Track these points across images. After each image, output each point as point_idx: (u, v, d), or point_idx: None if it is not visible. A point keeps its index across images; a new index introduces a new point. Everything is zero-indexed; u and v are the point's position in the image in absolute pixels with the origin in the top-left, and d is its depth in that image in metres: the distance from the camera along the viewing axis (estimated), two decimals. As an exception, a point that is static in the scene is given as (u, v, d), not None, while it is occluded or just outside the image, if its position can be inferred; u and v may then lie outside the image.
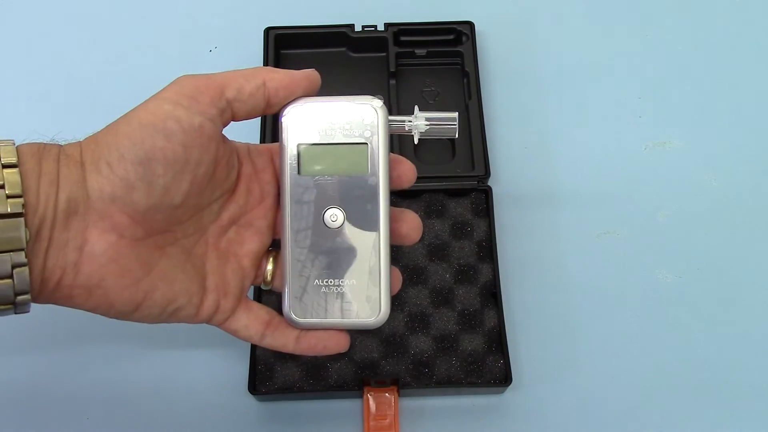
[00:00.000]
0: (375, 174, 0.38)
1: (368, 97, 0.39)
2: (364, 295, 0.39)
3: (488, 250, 0.55)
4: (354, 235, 0.38)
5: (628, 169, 0.60)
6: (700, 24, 0.67)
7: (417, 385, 0.51)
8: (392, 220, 0.40)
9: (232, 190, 0.40)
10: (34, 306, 0.35)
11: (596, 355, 0.53)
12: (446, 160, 0.59)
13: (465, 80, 0.61)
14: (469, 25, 0.62)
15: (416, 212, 0.53)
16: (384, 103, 0.39)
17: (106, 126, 0.37)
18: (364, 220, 0.38)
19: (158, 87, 0.37)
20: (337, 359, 0.52)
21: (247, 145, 0.41)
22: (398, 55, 0.62)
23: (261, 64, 0.61)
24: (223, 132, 0.38)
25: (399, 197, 0.57)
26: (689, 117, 0.62)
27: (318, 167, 0.38)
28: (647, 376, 0.53)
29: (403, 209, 0.41)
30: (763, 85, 0.64)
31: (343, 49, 0.63)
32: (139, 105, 0.36)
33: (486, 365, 0.52)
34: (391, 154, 0.39)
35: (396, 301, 0.54)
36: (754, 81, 0.64)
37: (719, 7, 0.68)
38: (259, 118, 0.58)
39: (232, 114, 0.37)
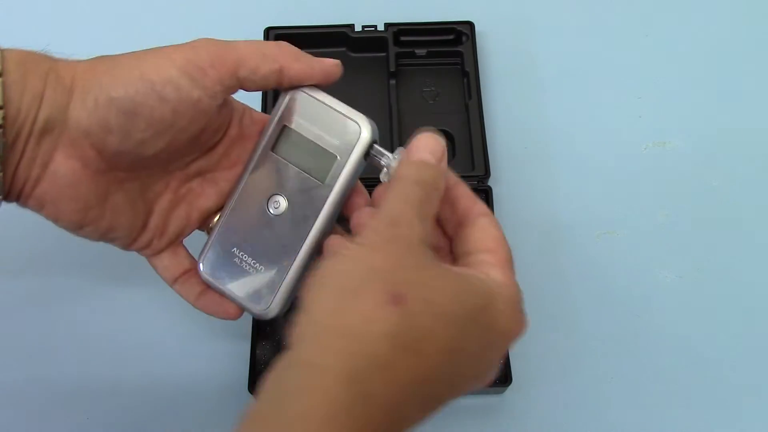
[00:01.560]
0: (329, 187, 0.39)
1: (363, 117, 0.39)
2: (265, 284, 0.40)
3: (488, 250, 0.55)
4: (285, 229, 0.39)
5: (628, 169, 0.60)
6: (700, 24, 0.67)
7: (417, 385, 0.51)
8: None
9: (211, 148, 0.41)
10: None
11: (596, 355, 0.53)
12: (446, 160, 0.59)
13: (465, 80, 0.61)
14: (469, 25, 0.62)
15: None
16: (374, 129, 0.39)
17: (109, 57, 0.37)
18: (300, 222, 0.39)
19: None
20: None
21: (244, 108, 0.42)
22: (398, 55, 0.62)
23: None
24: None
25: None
26: (689, 117, 0.62)
27: (289, 153, 0.39)
28: (647, 376, 0.53)
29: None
30: (763, 85, 0.64)
31: (343, 49, 0.63)
32: (150, 53, 0.36)
33: (486, 365, 0.52)
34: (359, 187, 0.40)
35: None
36: (754, 81, 0.64)
37: (719, 7, 0.68)
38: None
39: (240, 87, 0.38)
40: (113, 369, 0.52)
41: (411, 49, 0.62)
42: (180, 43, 0.37)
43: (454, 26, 0.62)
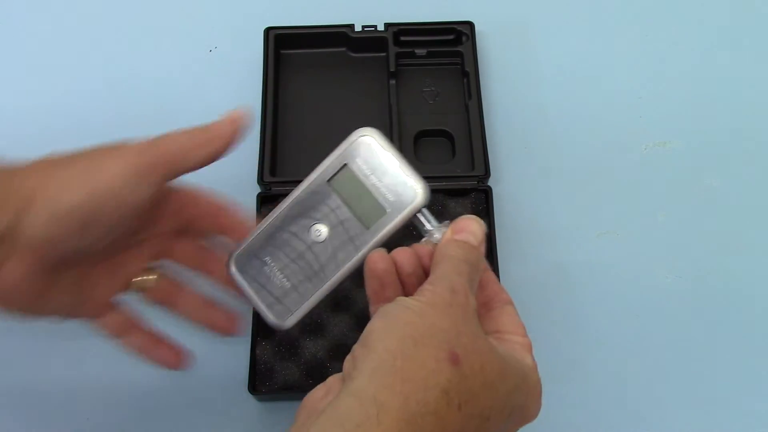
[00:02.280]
0: (372, 234, 0.40)
1: (421, 180, 0.40)
2: (287, 301, 0.41)
3: (488, 250, 0.55)
4: (320, 258, 0.41)
5: (628, 169, 0.60)
6: (700, 24, 0.67)
7: (417, 385, 0.51)
8: None
9: (152, 223, 0.43)
10: None
11: (596, 355, 0.53)
12: (446, 160, 0.59)
13: (465, 80, 0.61)
14: (469, 25, 0.62)
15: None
16: (428, 195, 0.40)
17: (63, 162, 0.38)
18: (336, 255, 0.41)
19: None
20: (338, 359, 0.52)
21: (169, 188, 0.43)
22: (398, 55, 0.62)
23: (261, 64, 0.61)
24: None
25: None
26: (689, 117, 0.62)
27: (343, 191, 0.41)
28: (647, 375, 0.53)
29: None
30: (763, 85, 0.64)
31: (343, 49, 0.63)
32: (98, 156, 0.38)
33: (486, 365, 0.52)
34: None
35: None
36: (755, 81, 0.64)
37: (719, 7, 0.68)
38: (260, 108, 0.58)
39: (176, 175, 0.40)
40: (113, 369, 0.52)
41: (411, 49, 0.62)
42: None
43: (454, 26, 0.62)
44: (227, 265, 0.42)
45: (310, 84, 0.62)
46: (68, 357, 0.53)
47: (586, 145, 0.61)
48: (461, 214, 0.57)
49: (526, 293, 0.55)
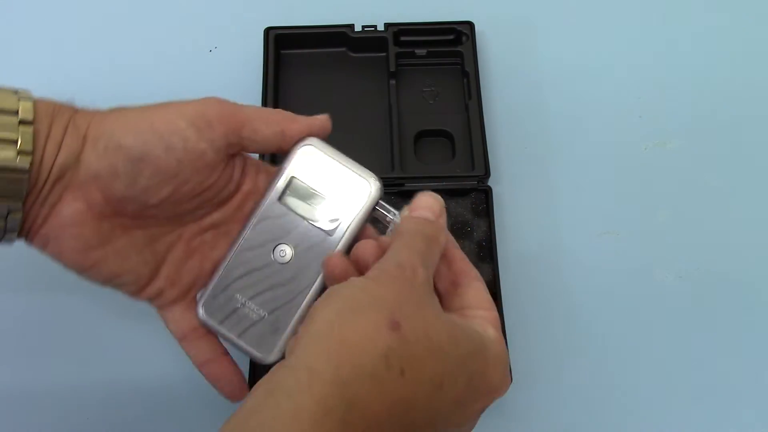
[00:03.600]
0: (336, 239, 0.40)
1: (370, 174, 0.41)
2: (268, 331, 0.40)
3: (488, 250, 0.55)
4: (290, 277, 0.40)
5: (628, 169, 0.60)
6: (700, 24, 0.67)
7: (417, 385, 0.51)
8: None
9: (225, 201, 0.41)
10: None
11: (596, 354, 0.53)
12: (446, 160, 0.59)
13: (465, 80, 0.61)
14: (469, 25, 0.62)
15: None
16: (381, 187, 0.40)
17: (122, 109, 0.38)
18: (305, 271, 0.40)
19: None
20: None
21: (259, 164, 0.43)
22: (398, 55, 0.62)
23: (261, 64, 0.61)
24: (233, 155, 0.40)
25: (399, 197, 0.57)
26: (689, 117, 0.62)
27: (296, 204, 0.40)
28: (647, 376, 0.53)
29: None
30: (763, 85, 0.64)
31: (343, 49, 0.63)
32: (161, 105, 0.38)
33: (486, 365, 0.52)
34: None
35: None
36: (754, 81, 0.64)
37: (719, 7, 0.68)
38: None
39: (242, 148, 0.40)
40: (112, 369, 0.52)
41: (411, 49, 0.62)
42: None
43: (454, 26, 0.62)
44: (196, 312, 0.41)
45: (310, 84, 0.62)
46: (68, 356, 0.53)
47: (586, 145, 0.61)
48: (461, 214, 0.57)
49: (527, 293, 0.55)
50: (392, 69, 0.61)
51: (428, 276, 0.35)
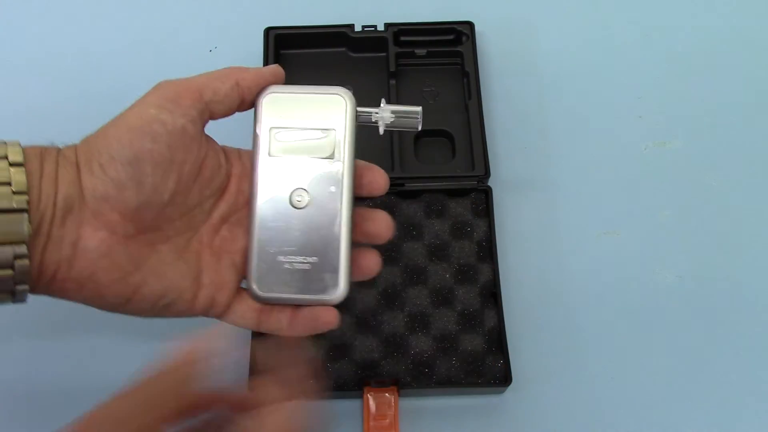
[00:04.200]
0: (340, 159, 0.40)
1: (338, 88, 0.41)
2: (324, 273, 0.40)
3: (488, 250, 0.55)
4: (318, 215, 0.40)
5: (628, 169, 0.60)
6: (700, 24, 0.67)
7: (417, 385, 0.51)
8: (363, 219, 0.41)
9: (223, 190, 0.42)
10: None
11: (596, 355, 0.53)
12: (446, 160, 0.59)
13: (465, 80, 0.61)
14: (469, 25, 0.62)
15: (416, 212, 0.53)
16: (352, 93, 0.41)
17: (98, 130, 0.38)
18: (328, 202, 0.40)
19: None
20: (338, 359, 0.52)
21: (238, 149, 0.43)
22: (398, 55, 0.62)
23: (261, 64, 0.61)
24: (205, 133, 0.40)
25: (399, 197, 0.57)
26: (689, 117, 0.62)
27: (287, 150, 0.41)
28: (647, 376, 0.53)
29: (374, 209, 0.42)
30: (763, 85, 0.64)
31: (343, 49, 0.63)
32: (126, 110, 0.38)
33: (486, 365, 0.52)
34: (363, 162, 0.42)
35: (396, 301, 0.54)
36: (755, 81, 0.64)
37: (719, 7, 0.68)
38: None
39: (210, 114, 0.40)
40: (113, 369, 0.52)
41: (411, 49, 0.62)
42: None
43: (454, 26, 0.62)
44: (254, 296, 0.41)
45: (310, 84, 0.62)
46: (68, 356, 0.53)
47: (586, 145, 0.61)
48: (461, 214, 0.57)
49: (527, 293, 0.55)
50: (392, 69, 0.61)
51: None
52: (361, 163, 0.42)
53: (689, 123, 0.62)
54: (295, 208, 0.41)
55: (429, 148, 0.60)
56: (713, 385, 0.52)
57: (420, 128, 0.43)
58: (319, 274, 0.40)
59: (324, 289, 0.40)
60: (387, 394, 0.50)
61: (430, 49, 0.63)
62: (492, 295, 0.54)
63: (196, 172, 0.40)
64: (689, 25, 0.67)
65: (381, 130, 0.42)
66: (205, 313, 0.41)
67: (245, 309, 0.42)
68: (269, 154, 0.41)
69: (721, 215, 0.58)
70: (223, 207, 0.42)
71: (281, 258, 0.41)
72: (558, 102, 0.63)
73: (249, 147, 0.42)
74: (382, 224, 0.42)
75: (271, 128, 0.41)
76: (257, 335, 0.52)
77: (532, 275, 0.56)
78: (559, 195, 0.59)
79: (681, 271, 0.56)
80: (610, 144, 0.61)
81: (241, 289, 0.42)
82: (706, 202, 0.59)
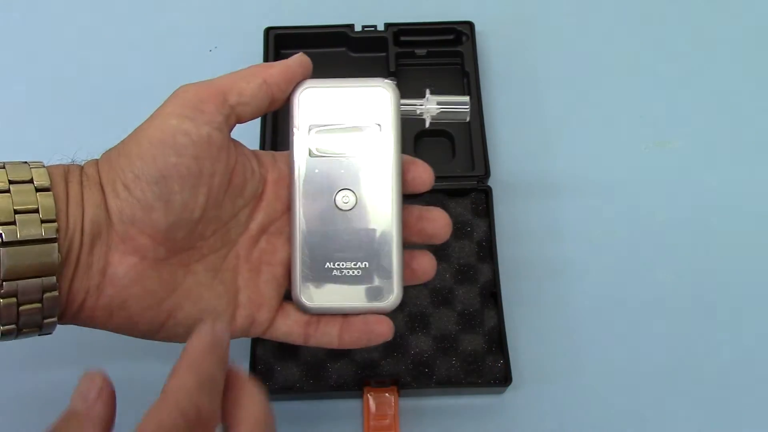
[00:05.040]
0: (386, 156, 0.38)
1: (379, 80, 0.39)
2: (377, 278, 0.38)
3: (488, 250, 0.55)
4: (366, 217, 0.38)
5: (628, 169, 0.60)
6: (700, 23, 0.67)
7: (417, 385, 0.51)
8: (418, 219, 0.39)
9: (259, 198, 0.39)
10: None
11: (596, 355, 0.53)
12: (446, 160, 0.59)
13: (465, 80, 0.61)
14: (469, 25, 0.62)
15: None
16: (396, 85, 0.39)
17: (117, 145, 0.36)
18: (376, 202, 0.38)
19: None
20: (337, 359, 0.52)
21: (272, 152, 0.41)
22: (398, 55, 0.62)
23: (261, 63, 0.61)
24: (233, 138, 0.38)
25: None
26: (689, 117, 0.62)
27: (330, 149, 0.38)
28: (647, 376, 0.53)
29: (430, 207, 0.40)
30: (763, 85, 0.64)
31: (343, 49, 0.63)
32: (146, 122, 0.36)
33: (486, 365, 0.52)
34: (407, 156, 0.39)
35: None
36: (755, 81, 0.64)
37: (720, 7, 0.68)
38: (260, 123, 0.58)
39: (237, 118, 0.37)
40: (113, 369, 0.52)
41: (411, 49, 0.62)
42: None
43: (454, 26, 0.62)
44: (301, 307, 0.39)
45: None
46: (68, 356, 0.53)
47: (585, 145, 0.61)
48: (461, 214, 0.57)
49: (526, 293, 0.55)
50: (392, 69, 0.61)
51: (213, 411, 0.31)
52: (404, 157, 0.39)
53: (689, 123, 0.62)
54: (342, 210, 0.38)
55: (429, 148, 0.60)
56: (713, 385, 0.52)
57: (468, 119, 0.41)
58: (371, 279, 0.38)
59: (377, 296, 0.38)
60: (387, 394, 0.50)
61: (430, 49, 0.63)
62: (492, 295, 0.54)
63: (227, 183, 0.37)
64: (690, 24, 0.67)
65: (427, 123, 0.40)
66: (245, 333, 0.40)
67: (290, 324, 0.40)
68: (309, 155, 0.38)
69: (720, 215, 0.58)
70: (260, 216, 0.39)
71: (329, 265, 0.38)
72: (558, 102, 0.63)
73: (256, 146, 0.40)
74: (439, 223, 0.39)
75: (309, 127, 0.38)
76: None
77: (532, 275, 0.56)
78: (559, 195, 0.59)
79: (681, 272, 0.56)
80: (610, 144, 0.61)
81: (283, 302, 0.40)
82: (706, 202, 0.59)
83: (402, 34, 0.62)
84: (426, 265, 0.40)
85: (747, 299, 0.55)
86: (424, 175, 0.39)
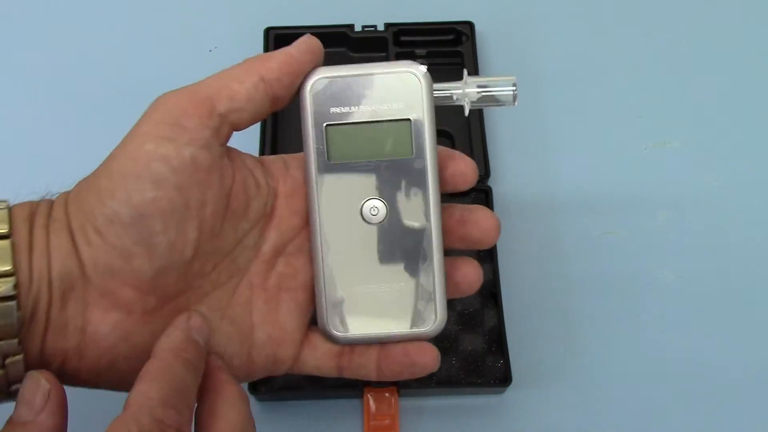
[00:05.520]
0: (421, 156, 0.32)
1: (406, 63, 0.32)
2: (415, 299, 0.33)
3: (488, 250, 0.55)
4: (399, 230, 0.33)
5: (628, 169, 0.60)
6: (700, 23, 0.67)
7: (417, 385, 0.51)
8: (460, 222, 0.34)
9: (269, 215, 0.34)
10: None
11: (596, 355, 0.53)
12: (446, 160, 0.59)
13: (465, 80, 0.61)
14: (469, 25, 0.62)
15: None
16: (425, 68, 0.32)
17: (88, 177, 0.31)
18: (411, 211, 0.33)
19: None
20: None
21: (281, 157, 0.35)
22: (398, 55, 0.62)
23: (261, 64, 0.60)
24: (230, 148, 0.32)
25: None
26: (689, 117, 0.62)
27: (352, 151, 0.33)
28: (647, 376, 0.53)
29: (473, 206, 0.34)
30: (763, 85, 0.64)
31: (343, 49, 0.63)
32: (117, 147, 0.30)
33: (486, 365, 0.52)
34: (443, 148, 0.34)
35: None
36: (755, 81, 0.64)
37: (720, 7, 0.68)
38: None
39: (231, 127, 0.32)
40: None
41: (411, 49, 0.62)
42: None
43: (454, 26, 0.62)
44: (330, 337, 0.34)
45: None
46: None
47: (585, 145, 0.61)
48: (461, 214, 0.57)
49: (527, 293, 0.55)
50: (392, 69, 0.61)
51: (181, 425, 0.27)
52: (441, 150, 0.33)
53: (689, 123, 0.62)
54: (370, 223, 0.33)
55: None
56: (712, 385, 0.52)
57: (516, 103, 0.36)
58: (408, 302, 0.33)
59: (417, 320, 0.33)
60: (387, 394, 0.50)
61: (430, 49, 0.63)
62: (492, 295, 0.54)
63: (224, 209, 0.31)
64: (690, 24, 0.67)
65: (466, 111, 0.35)
66: (269, 372, 0.34)
67: (319, 357, 0.35)
68: (328, 159, 0.32)
69: (720, 215, 0.58)
70: (273, 236, 0.34)
71: (359, 287, 0.33)
72: (558, 102, 0.63)
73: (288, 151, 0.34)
74: (486, 225, 0.34)
75: (326, 126, 0.32)
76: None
77: (532, 275, 0.56)
78: (559, 195, 0.59)
79: (680, 272, 0.56)
80: (610, 144, 0.61)
81: (309, 332, 0.35)
82: (706, 202, 0.59)
83: (402, 34, 0.62)
84: (471, 276, 0.34)
85: (747, 299, 0.55)
86: (466, 170, 0.33)
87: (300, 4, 0.67)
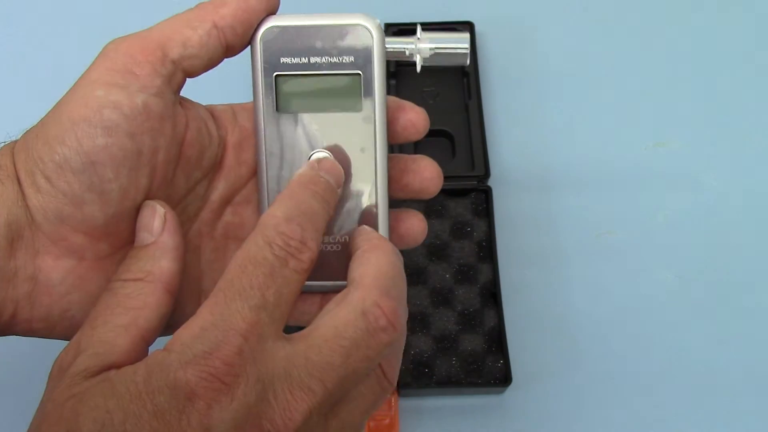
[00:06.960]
0: (370, 110, 0.32)
1: (359, 15, 0.31)
2: None
3: (488, 250, 0.55)
4: (345, 183, 0.33)
5: (628, 169, 0.60)
6: (700, 23, 0.67)
7: (417, 385, 0.51)
8: (402, 171, 0.34)
9: (218, 165, 0.34)
10: None
11: (596, 355, 0.53)
12: (446, 160, 0.59)
13: (465, 80, 0.61)
14: (469, 25, 0.62)
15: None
16: (380, 23, 0.32)
17: (34, 126, 0.30)
18: (358, 165, 0.32)
19: None
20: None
21: (231, 106, 0.35)
22: (398, 55, 0.62)
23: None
24: (181, 96, 0.32)
25: (399, 197, 0.57)
26: (689, 117, 0.62)
27: (301, 103, 0.32)
28: (647, 376, 0.53)
29: (416, 156, 0.34)
30: (763, 85, 0.64)
31: (343, 49, 0.63)
32: (67, 93, 0.30)
33: (486, 365, 0.52)
34: (393, 98, 0.34)
35: (396, 301, 0.54)
36: (754, 81, 0.64)
37: (719, 7, 0.68)
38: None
39: (184, 73, 0.31)
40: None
41: (411, 49, 0.62)
42: None
43: (454, 26, 0.62)
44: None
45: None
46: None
47: (585, 145, 0.61)
48: (461, 214, 0.57)
49: (526, 293, 0.55)
50: (392, 69, 0.61)
51: (306, 242, 0.28)
52: (391, 101, 0.33)
53: (689, 123, 0.62)
54: None
55: (429, 148, 0.60)
56: (713, 385, 0.52)
57: (468, 62, 0.35)
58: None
59: None
60: (387, 394, 0.50)
61: (430, 49, 0.63)
62: (492, 295, 0.54)
63: (177, 157, 0.31)
64: (690, 24, 0.67)
65: (418, 67, 0.34)
66: None
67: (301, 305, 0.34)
68: (276, 110, 0.32)
69: (720, 215, 0.58)
70: (221, 186, 0.34)
71: None
72: (558, 102, 0.63)
73: (243, 99, 0.34)
74: (426, 174, 0.34)
75: (276, 75, 0.32)
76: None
77: (532, 275, 0.56)
78: (558, 194, 0.59)
79: (680, 271, 0.56)
80: (610, 144, 0.61)
81: None
82: (706, 202, 0.59)
83: (402, 34, 0.62)
84: (415, 228, 0.34)
85: (747, 299, 0.55)
86: (416, 120, 0.33)
87: (300, 4, 0.67)
